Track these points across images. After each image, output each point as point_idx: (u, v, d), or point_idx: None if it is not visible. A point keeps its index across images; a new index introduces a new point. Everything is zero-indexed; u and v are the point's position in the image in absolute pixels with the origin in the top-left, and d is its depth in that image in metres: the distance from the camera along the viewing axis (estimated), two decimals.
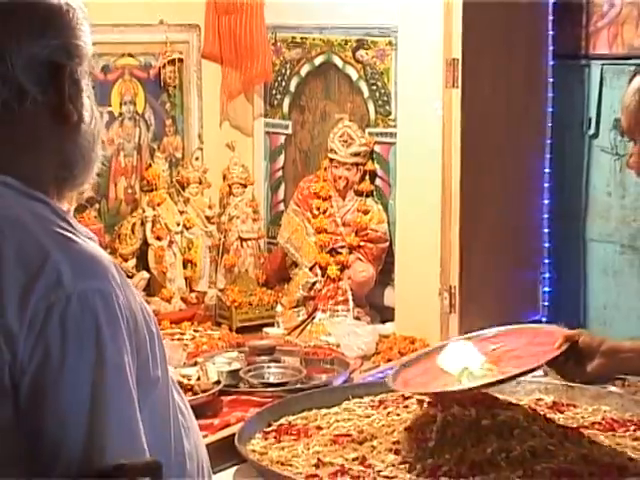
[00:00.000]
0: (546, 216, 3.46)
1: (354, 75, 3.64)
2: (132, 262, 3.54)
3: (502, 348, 2.48)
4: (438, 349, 2.61)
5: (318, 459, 2.36)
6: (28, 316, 1.33)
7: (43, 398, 1.33)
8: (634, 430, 2.55)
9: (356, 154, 3.55)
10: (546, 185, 3.45)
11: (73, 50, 1.48)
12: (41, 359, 1.33)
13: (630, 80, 2.00)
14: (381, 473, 2.30)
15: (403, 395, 2.74)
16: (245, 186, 3.76)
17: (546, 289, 3.49)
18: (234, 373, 2.88)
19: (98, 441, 1.34)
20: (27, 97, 1.44)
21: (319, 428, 2.58)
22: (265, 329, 3.41)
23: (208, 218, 3.71)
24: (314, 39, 3.73)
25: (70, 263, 1.37)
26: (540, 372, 3.08)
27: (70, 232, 1.42)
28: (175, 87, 3.67)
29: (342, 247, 3.58)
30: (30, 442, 1.34)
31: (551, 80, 3.45)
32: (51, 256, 1.36)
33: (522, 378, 2.90)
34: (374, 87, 3.60)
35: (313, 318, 3.49)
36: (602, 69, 3.46)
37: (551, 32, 3.43)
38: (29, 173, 1.46)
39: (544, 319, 3.49)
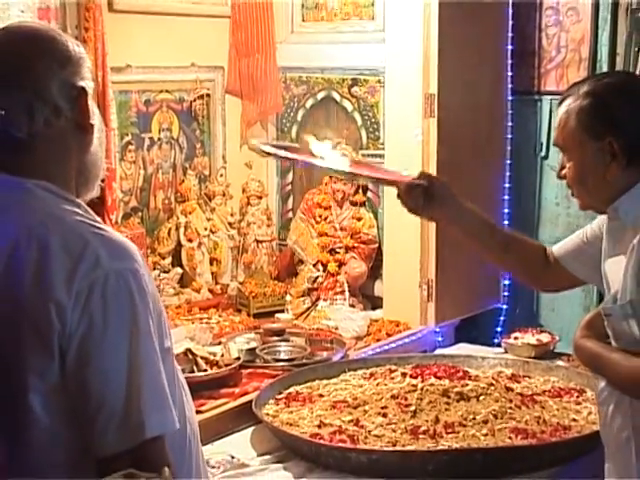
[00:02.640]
0: (506, 222, 3.45)
1: (349, 107, 3.65)
2: (168, 260, 3.53)
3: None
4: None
5: (320, 421, 2.37)
6: (74, 292, 1.33)
7: (88, 359, 1.33)
8: (577, 397, 2.56)
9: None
10: (506, 197, 3.44)
11: (85, 76, 1.50)
12: (86, 327, 1.33)
13: (560, 103, 1.90)
14: (371, 432, 2.30)
15: (390, 369, 2.75)
16: (260, 198, 3.76)
17: (506, 282, 3.48)
18: (251, 351, 2.88)
19: (135, 394, 1.33)
20: (61, 114, 1.45)
21: (321, 396, 2.58)
22: (277, 315, 3.41)
23: (230, 224, 3.71)
24: (317, 78, 3.73)
25: (105, 248, 1.37)
26: (501, 350, 3.09)
27: (100, 224, 1.43)
28: (204, 117, 3.67)
29: (340, 248, 3.58)
30: (76, 398, 1.34)
31: (510, 112, 3.44)
32: (90, 243, 1.36)
33: (486, 355, 2.91)
34: (366, 117, 3.60)
35: (316, 306, 3.48)
36: (551, 103, 3.46)
37: (510, 73, 3.42)
38: (61, 179, 1.46)
39: (505, 306, 3.49)
